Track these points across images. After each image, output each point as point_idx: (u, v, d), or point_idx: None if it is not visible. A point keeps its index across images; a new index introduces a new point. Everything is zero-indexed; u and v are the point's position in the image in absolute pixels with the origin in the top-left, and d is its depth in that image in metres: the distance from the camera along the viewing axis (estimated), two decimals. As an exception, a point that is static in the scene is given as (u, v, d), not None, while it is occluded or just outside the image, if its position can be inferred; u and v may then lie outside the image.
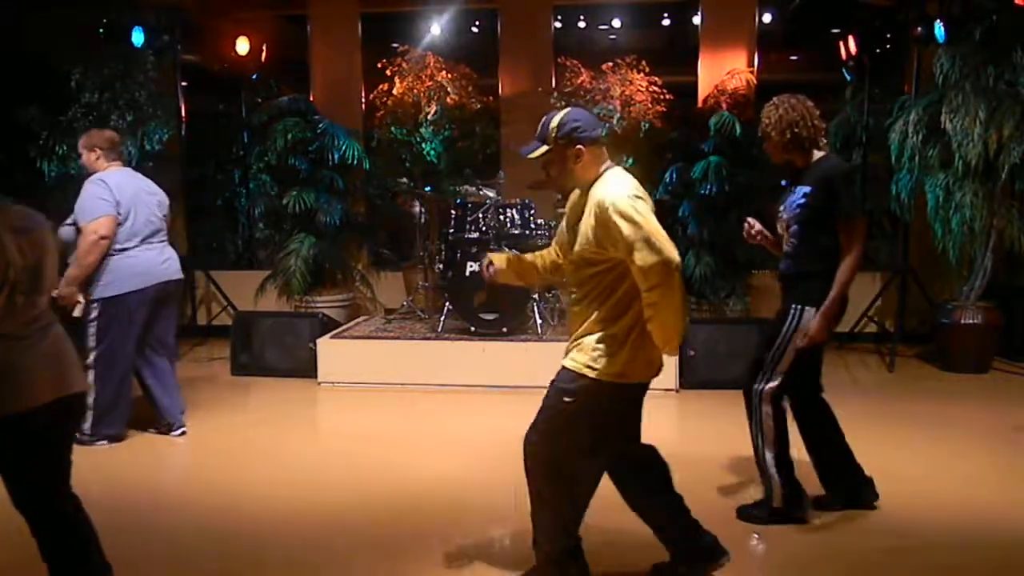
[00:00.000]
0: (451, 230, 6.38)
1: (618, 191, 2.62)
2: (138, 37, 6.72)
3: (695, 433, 5.09)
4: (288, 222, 7.56)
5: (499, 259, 3.14)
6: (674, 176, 6.92)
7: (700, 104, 7.45)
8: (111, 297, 4.54)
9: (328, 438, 5.31)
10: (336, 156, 7.31)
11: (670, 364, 5.73)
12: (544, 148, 2.75)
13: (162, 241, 4.81)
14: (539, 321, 6.07)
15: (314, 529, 3.62)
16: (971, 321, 6.29)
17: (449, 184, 7.30)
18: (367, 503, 3.90)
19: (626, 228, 2.53)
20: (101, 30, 6.64)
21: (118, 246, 4.54)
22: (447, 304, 6.22)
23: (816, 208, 3.33)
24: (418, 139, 7.42)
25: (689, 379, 5.83)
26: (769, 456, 3.52)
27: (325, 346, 6.15)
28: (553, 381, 2.79)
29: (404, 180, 7.57)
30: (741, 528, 3.61)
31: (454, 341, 6.02)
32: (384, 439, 4.97)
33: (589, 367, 2.67)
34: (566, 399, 2.71)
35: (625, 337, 2.65)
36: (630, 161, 7.05)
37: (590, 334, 2.70)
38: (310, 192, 7.28)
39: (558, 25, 7.97)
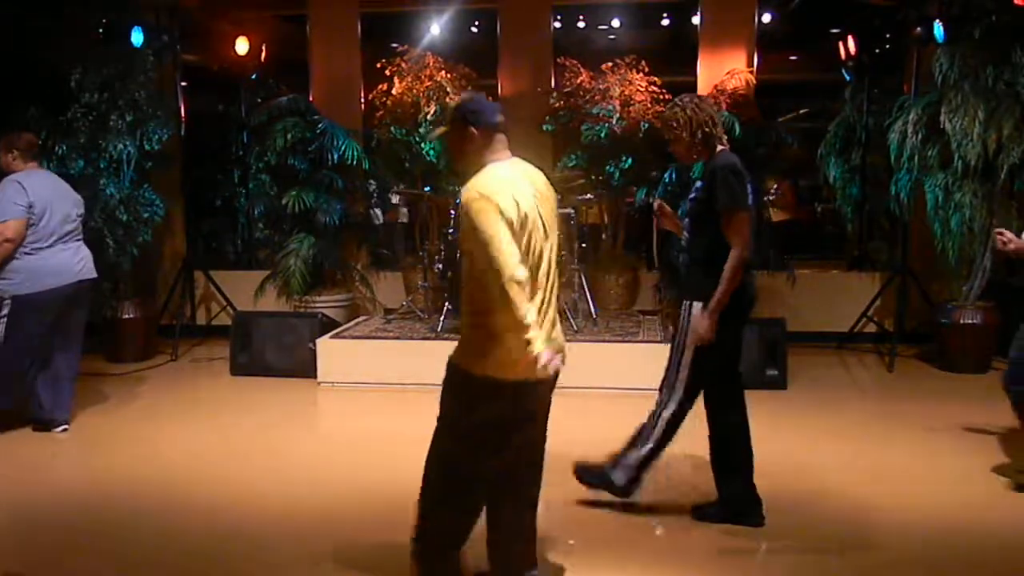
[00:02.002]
0: (451, 230, 6.38)
1: (482, 186, 2.57)
2: (138, 37, 6.71)
3: (693, 432, 5.06)
4: (287, 222, 7.55)
5: None
6: (673, 176, 6.90)
7: (700, 104, 7.43)
8: (24, 295, 4.64)
9: (328, 438, 5.31)
10: (335, 156, 7.29)
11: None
12: (442, 128, 2.78)
13: (77, 241, 4.93)
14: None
15: (314, 529, 3.62)
16: (970, 321, 6.30)
17: (449, 184, 7.30)
18: (367, 503, 3.90)
19: (479, 224, 2.50)
20: (101, 30, 6.63)
21: (34, 245, 4.68)
22: (447, 304, 6.21)
23: (703, 202, 3.40)
24: (417, 139, 7.41)
25: (688, 379, 5.82)
26: (642, 451, 3.56)
27: (325, 346, 6.15)
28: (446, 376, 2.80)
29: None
30: (741, 527, 3.61)
31: (454, 341, 5.98)
32: (384, 439, 4.96)
33: (464, 361, 2.67)
34: (447, 394, 2.75)
35: (497, 332, 2.57)
36: (629, 161, 7.05)
37: (467, 327, 2.71)
38: (309, 192, 7.27)
39: (557, 25, 7.96)
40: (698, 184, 3.49)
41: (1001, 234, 4.00)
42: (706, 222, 3.39)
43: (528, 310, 2.46)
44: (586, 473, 3.76)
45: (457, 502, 2.79)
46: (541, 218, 2.66)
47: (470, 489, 2.77)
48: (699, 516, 3.67)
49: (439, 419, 2.80)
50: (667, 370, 3.60)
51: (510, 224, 2.51)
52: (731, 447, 3.60)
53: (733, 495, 3.61)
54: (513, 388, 2.63)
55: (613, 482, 3.66)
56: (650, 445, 3.59)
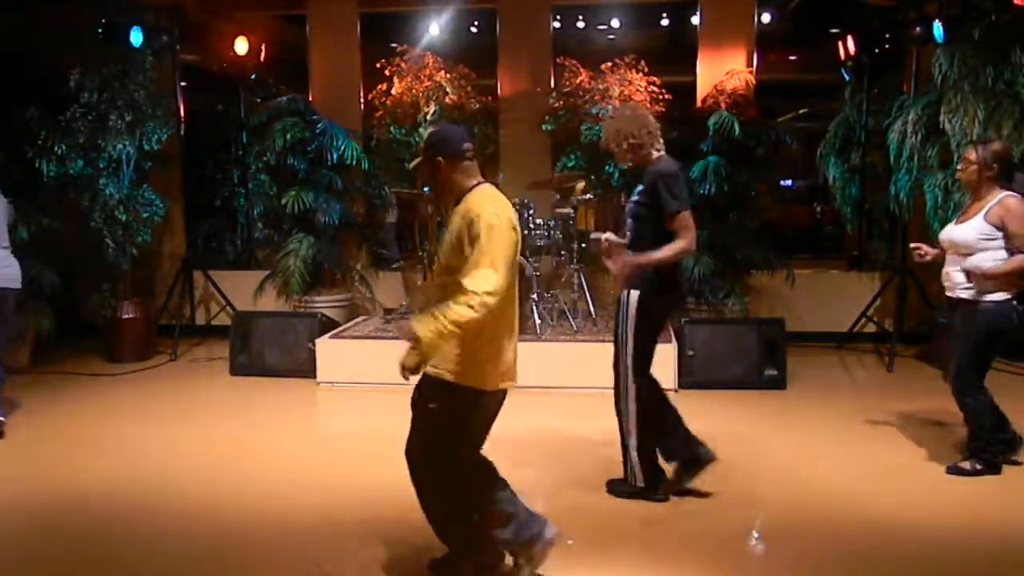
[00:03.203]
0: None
1: (489, 207, 2.73)
2: (137, 37, 6.72)
3: (694, 432, 5.08)
4: (287, 222, 7.55)
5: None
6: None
7: (699, 104, 7.44)
8: None
9: (327, 438, 5.30)
10: (335, 156, 7.30)
11: (669, 364, 5.74)
12: (417, 159, 2.97)
13: (4, 247, 4.90)
14: (538, 321, 6.08)
15: (313, 529, 3.62)
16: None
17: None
18: (366, 503, 3.90)
19: (483, 238, 2.63)
20: (100, 30, 6.64)
21: None
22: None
23: (646, 205, 3.70)
24: (417, 139, 7.42)
25: (687, 379, 5.83)
26: (634, 453, 3.79)
27: (324, 346, 6.15)
28: (419, 386, 2.91)
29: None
30: (741, 527, 3.61)
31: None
32: (383, 439, 4.91)
33: (448, 372, 2.78)
34: (430, 405, 2.85)
35: (481, 345, 2.75)
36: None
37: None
38: (309, 192, 7.27)
39: (557, 25, 7.97)
40: (639, 188, 3.77)
41: (918, 248, 4.22)
42: (647, 222, 3.70)
43: (468, 322, 2.57)
44: (616, 486, 3.93)
45: (466, 487, 2.96)
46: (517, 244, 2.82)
47: (466, 475, 2.96)
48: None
49: (425, 439, 2.91)
50: (616, 357, 3.80)
51: (514, 246, 2.71)
52: (653, 415, 3.81)
53: (680, 454, 3.83)
54: (492, 396, 2.86)
55: (638, 486, 3.82)
56: (634, 435, 3.77)
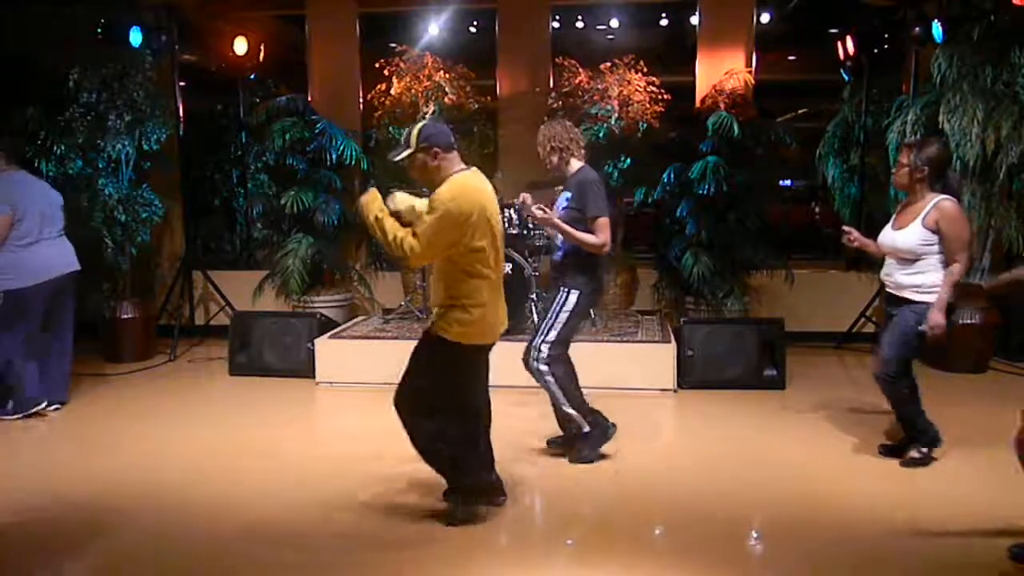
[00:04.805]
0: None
1: (450, 191, 3.29)
2: (136, 37, 6.72)
3: (693, 432, 5.10)
4: (286, 222, 7.55)
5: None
6: (672, 176, 6.92)
7: (698, 104, 7.44)
8: (14, 290, 5.08)
9: (325, 438, 5.30)
10: (334, 156, 7.30)
11: (668, 364, 5.74)
12: (408, 151, 3.39)
13: (60, 235, 5.38)
14: (537, 321, 6.07)
15: (311, 529, 3.62)
16: (969, 321, 6.29)
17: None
18: (364, 503, 3.90)
19: (433, 217, 3.26)
20: (99, 30, 6.63)
21: (19, 242, 5.10)
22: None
23: (577, 209, 4.16)
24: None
25: (687, 379, 5.84)
26: (570, 410, 4.28)
27: (323, 346, 6.15)
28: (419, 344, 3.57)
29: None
30: (741, 527, 3.62)
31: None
32: (381, 439, 4.94)
33: (445, 331, 3.40)
34: (436, 364, 3.49)
35: (470, 307, 3.37)
36: (627, 161, 7.05)
37: (443, 306, 3.40)
38: (308, 192, 7.27)
39: (556, 25, 7.96)
40: (567, 195, 4.24)
41: (849, 234, 4.31)
42: (579, 224, 4.12)
43: (392, 246, 3.32)
44: (572, 453, 4.37)
45: (451, 423, 3.56)
46: (491, 220, 3.41)
47: (452, 414, 3.55)
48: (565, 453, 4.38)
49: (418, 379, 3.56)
50: (529, 345, 4.31)
51: (457, 228, 3.26)
52: (572, 374, 4.32)
53: (593, 425, 4.32)
54: (483, 350, 3.54)
55: (584, 431, 4.30)
56: (562, 397, 4.26)
